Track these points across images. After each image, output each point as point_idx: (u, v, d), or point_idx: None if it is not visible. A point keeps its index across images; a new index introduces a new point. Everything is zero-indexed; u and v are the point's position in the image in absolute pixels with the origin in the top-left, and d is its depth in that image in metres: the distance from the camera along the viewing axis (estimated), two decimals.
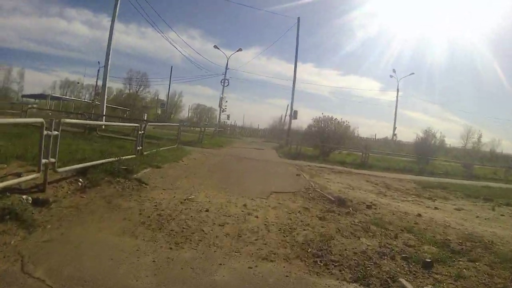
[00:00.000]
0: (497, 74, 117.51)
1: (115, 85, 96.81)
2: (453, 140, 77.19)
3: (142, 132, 15.27)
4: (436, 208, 12.73)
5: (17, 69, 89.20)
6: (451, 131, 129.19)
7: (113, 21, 31.75)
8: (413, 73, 70.68)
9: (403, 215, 10.37)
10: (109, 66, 31.59)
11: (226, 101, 58.13)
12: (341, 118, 32.40)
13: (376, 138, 71.04)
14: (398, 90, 66.53)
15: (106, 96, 33.13)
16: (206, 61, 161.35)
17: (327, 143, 30.55)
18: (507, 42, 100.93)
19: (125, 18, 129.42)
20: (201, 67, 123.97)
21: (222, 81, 57.85)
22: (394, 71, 67.87)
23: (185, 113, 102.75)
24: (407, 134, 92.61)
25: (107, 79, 32.14)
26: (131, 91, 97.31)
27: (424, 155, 34.03)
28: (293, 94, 41.37)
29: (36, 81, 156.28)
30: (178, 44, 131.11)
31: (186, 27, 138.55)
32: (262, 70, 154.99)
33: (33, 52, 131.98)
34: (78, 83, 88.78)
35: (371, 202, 11.62)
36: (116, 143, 17.19)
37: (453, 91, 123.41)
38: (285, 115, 63.70)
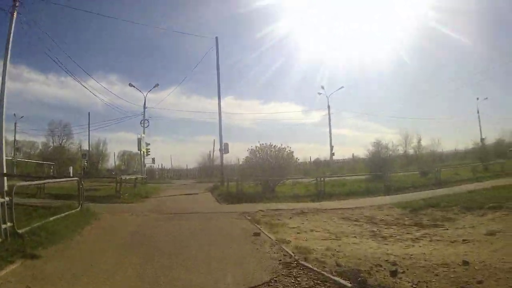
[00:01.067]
0: (420, 76, 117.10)
1: (40, 139, 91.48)
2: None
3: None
4: (464, 241, 9.61)
5: None
6: (383, 141, 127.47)
7: (5, 66, 25.73)
8: (342, 87, 66.02)
9: (448, 271, 6.84)
10: (3, 117, 25.24)
11: (149, 144, 51.66)
12: (281, 144, 26.96)
13: (312, 161, 65.28)
14: (329, 107, 60.83)
15: (4, 152, 26.50)
16: (127, 104, 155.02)
17: (271, 175, 25.21)
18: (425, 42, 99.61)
19: (45, 68, 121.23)
20: (122, 110, 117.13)
21: (142, 122, 51.03)
22: (322, 87, 61.83)
23: (112, 162, 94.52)
24: (341, 152, 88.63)
25: (3, 132, 25.65)
26: (54, 143, 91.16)
27: (382, 170, 30.05)
28: (220, 126, 35.00)
29: None
30: (98, 91, 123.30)
31: (105, 73, 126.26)
32: (184, 108, 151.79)
33: None
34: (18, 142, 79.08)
35: (387, 261, 7.70)
36: None
37: (379, 101, 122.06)
38: (213, 151, 59.20)
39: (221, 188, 29.13)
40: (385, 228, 12.27)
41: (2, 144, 26.15)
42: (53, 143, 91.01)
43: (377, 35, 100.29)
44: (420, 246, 9.31)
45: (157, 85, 53.17)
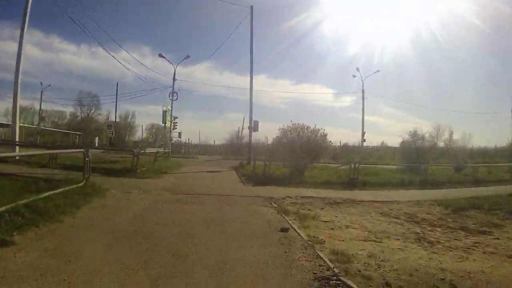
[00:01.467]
0: (454, 68, 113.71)
1: (69, 109, 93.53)
2: None
3: None
4: None
5: None
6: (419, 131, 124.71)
7: (22, 32, 24.25)
8: (378, 71, 62.79)
9: None
10: (19, 84, 23.75)
11: (176, 118, 49.59)
12: (315, 125, 24.88)
13: (341, 145, 62.97)
14: (363, 91, 58.88)
15: (18, 119, 25.24)
16: (158, 77, 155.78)
17: (302, 157, 23.19)
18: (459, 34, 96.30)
19: (76, 38, 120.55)
20: (152, 83, 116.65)
21: (170, 94, 49.77)
22: (358, 69, 60.45)
23: (140, 134, 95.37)
24: (370, 139, 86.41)
25: (18, 99, 24.05)
26: (82, 114, 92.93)
27: (417, 161, 28.20)
28: (251, 101, 32.55)
29: None
30: (130, 63, 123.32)
31: (138, 44, 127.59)
32: (215, 84, 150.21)
33: None
34: (30, 108, 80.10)
35: (443, 280, 6.20)
36: None
37: (411, 91, 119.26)
38: (242, 128, 58.39)
39: (247, 167, 27.29)
40: (430, 230, 10.57)
41: (16, 112, 24.81)
42: (81, 113, 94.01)
43: (414, 22, 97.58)
44: (474, 260, 7.77)
45: (187, 56, 51.68)
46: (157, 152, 27.62)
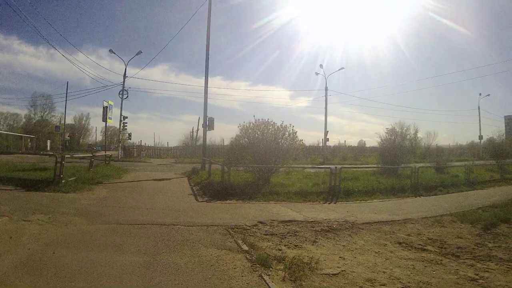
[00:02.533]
0: (418, 68, 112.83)
1: (24, 111, 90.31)
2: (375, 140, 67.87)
3: None
4: None
5: None
6: (368, 131, 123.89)
7: None
8: (343, 68, 59.47)
9: None
10: None
11: (126, 117, 45.03)
12: (282, 122, 19.67)
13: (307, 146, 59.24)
14: (326, 88, 53.50)
15: None
16: (116, 79, 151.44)
17: (267, 160, 18.54)
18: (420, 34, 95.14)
19: (35, 40, 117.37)
20: (106, 83, 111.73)
21: (120, 92, 44.60)
22: (321, 66, 54.36)
23: (96, 137, 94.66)
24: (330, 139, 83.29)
25: None
26: (36, 116, 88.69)
27: (396, 162, 25.07)
28: (206, 95, 27.12)
29: None
30: (87, 65, 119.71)
31: (95, 47, 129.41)
32: (172, 87, 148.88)
33: None
34: None
35: None
36: None
37: (371, 91, 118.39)
38: (197, 129, 53.58)
39: (202, 173, 22.64)
40: (484, 270, 6.75)
41: None
42: (35, 115, 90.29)
43: (376, 23, 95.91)
44: None
45: (140, 52, 46.93)
46: (93, 157, 22.35)
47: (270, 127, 18.96)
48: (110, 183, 17.83)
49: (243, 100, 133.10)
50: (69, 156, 19.23)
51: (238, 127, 19.69)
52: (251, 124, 19.27)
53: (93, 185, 16.25)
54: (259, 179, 17.97)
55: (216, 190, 15.27)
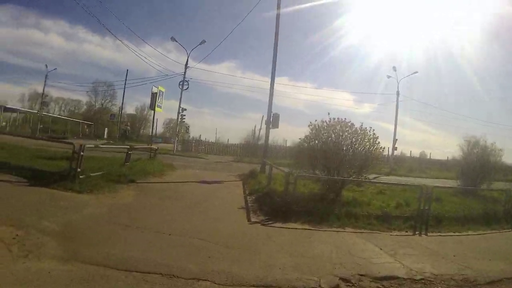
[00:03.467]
0: (485, 79, 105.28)
1: (85, 98, 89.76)
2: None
3: None
4: None
5: None
6: (430, 142, 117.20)
7: None
8: (416, 72, 53.25)
9: None
10: None
11: (185, 109, 43.57)
12: (361, 124, 15.37)
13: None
14: (398, 93, 49.63)
15: None
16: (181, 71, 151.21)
17: (341, 169, 14.33)
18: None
19: (101, 30, 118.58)
20: (173, 76, 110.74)
21: (180, 83, 42.11)
22: (394, 69, 50.48)
23: (156, 128, 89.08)
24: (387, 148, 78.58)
25: None
26: (96, 103, 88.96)
27: (477, 180, 20.61)
28: (272, 91, 23.12)
29: (9, 93, 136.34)
30: (153, 57, 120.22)
31: (162, 40, 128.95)
32: (238, 83, 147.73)
33: (7, 63, 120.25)
34: (46, 95, 72.61)
35: None
36: None
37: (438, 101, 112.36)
38: (260, 128, 49.76)
39: (261, 178, 18.59)
40: None
41: None
42: (95, 103, 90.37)
43: (452, 24, 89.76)
44: None
45: (203, 41, 44.05)
46: (130, 149, 18.43)
47: (347, 129, 14.78)
48: (145, 183, 14.19)
49: (308, 101, 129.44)
50: (92, 145, 15.11)
51: (309, 126, 15.41)
52: (324, 124, 15.07)
53: (121, 185, 12.76)
54: (329, 191, 13.84)
55: (275, 205, 11.15)
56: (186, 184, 15.96)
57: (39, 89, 69.37)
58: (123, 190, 11.99)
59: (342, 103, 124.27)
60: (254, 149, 49.32)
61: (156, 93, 33.55)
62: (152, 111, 35.77)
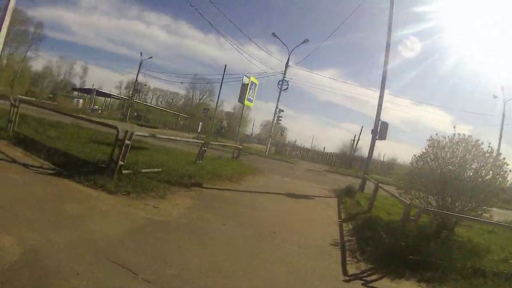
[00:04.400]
0: None
1: (183, 92, 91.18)
2: None
3: None
4: None
5: (80, 64, 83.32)
6: None
7: None
8: None
9: None
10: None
11: (282, 111, 41.63)
12: (489, 145, 11.13)
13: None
14: (504, 115, 43.66)
15: None
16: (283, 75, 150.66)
17: (460, 198, 10.20)
18: None
19: (205, 26, 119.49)
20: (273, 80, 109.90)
21: (279, 82, 40.24)
22: (502, 89, 44.58)
23: (253, 129, 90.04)
24: None
25: None
26: (194, 98, 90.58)
27: None
28: (382, 93, 19.14)
29: (107, 79, 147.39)
30: (256, 58, 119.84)
31: (265, 42, 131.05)
32: (337, 91, 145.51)
33: (107, 51, 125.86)
34: (145, 85, 76.04)
35: None
36: None
37: None
38: (358, 139, 48.14)
39: (359, 197, 14.39)
40: None
41: None
42: (193, 97, 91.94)
43: None
44: None
45: (306, 40, 41.54)
46: (204, 145, 15.09)
47: (473, 149, 10.82)
48: (213, 189, 10.85)
49: (405, 118, 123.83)
50: (140, 134, 11.31)
51: (428, 140, 11.60)
52: (446, 141, 11.18)
53: (180, 188, 9.65)
54: (440, 227, 10.06)
55: (382, 247, 7.50)
56: (266, 196, 12.50)
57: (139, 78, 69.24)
58: (177, 197, 8.84)
59: (439, 123, 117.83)
60: (349, 160, 46.29)
61: (247, 84, 30.35)
62: (243, 106, 33.02)
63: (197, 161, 13.94)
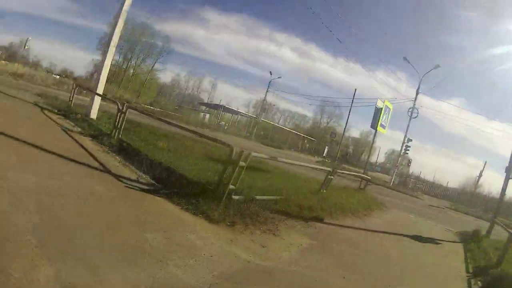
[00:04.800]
0: None
1: (311, 114, 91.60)
2: None
3: None
4: None
5: (209, 79, 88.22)
6: None
7: None
8: None
9: None
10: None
11: (410, 140, 40.06)
12: None
13: None
14: None
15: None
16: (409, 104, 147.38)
17: None
18: None
19: (334, 50, 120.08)
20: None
21: (409, 110, 38.88)
22: None
23: (378, 157, 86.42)
24: None
25: None
26: (322, 121, 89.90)
27: None
28: None
29: (235, 96, 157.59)
30: (384, 85, 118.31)
31: (395, 68, 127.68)
32: (461, 123, 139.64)
33: (236, 68, 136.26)
34: (273, 105, 79.95)
35: None
36: None
37: None
38: (480, 175, 49.47)
39: (485, 244, 12.65)
40: None
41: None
42: (321, 120, 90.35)
43: None
44: None
45: (437, 66, 40.32)
46: (333, 171, 13.76)
47: None
48: (334, 226, 9.67)
49: None
50: (258, 156, 9.84)
51: None
52: None
53: (296, 222, 8.56)
54: None
55: None
56: (392, 238, 11.14)
57: (267, 98, 70.66)
58: (291, 233, 7.67)
59: None
60: (470, 198, 43.98)
61: (381, 108, 28.80)
62: (374, 132, 31.72)
63: (321, 190, 12.74)
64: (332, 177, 13.48)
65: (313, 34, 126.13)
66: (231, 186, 7.64)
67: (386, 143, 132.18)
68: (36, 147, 8.22)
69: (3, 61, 43.09)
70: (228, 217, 6.94)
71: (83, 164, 8.15)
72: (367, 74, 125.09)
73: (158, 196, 7.34)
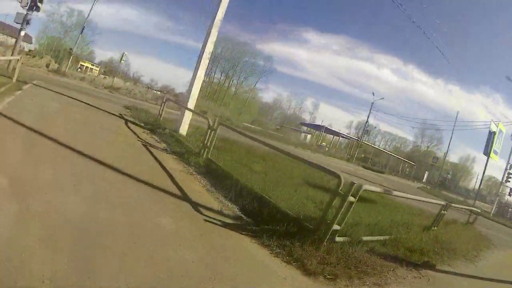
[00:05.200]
0: None
1: (411, 138, 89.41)
2: None
3: None
4: None
5: (311, 100, 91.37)
6: None
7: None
8: None
9: None
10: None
11: None
12: None
13: None
14: None
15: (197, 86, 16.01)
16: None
17: None
18: None
19: (433, 72, 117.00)
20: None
21: None
22: None
23: (480, 185, 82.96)
24: None
25: None
26: (422, 145, 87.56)
27: None
28: None
29: (336, 117, 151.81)
30: (483, 107, 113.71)
31: (492, 90, 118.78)
32: None
33: (338, 89, 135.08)
34: (375, 127, 76.09)
35: None
36: None
37: None
38: None
39: None
40: None
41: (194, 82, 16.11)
42: (421, 144, 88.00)
43: None
44: None
45: None
46: (445, 207, 11.68)
47: None
48: (447, 274, 7.62)
49: None
50: (370, 189, 7.86)
51: None
52: None
53: (407, 270, 6.69)
54: None
55: None
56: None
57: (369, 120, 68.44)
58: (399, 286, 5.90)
59: None
60: None
61: (494, 132, 25.16)
62: (486, 159, 27.40)
63: (433, 228, 10.87)
64: (445, 212, 11.52)
65: (413, 55, 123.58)
66: (335, 226, 6.03)
67: (480, 168, 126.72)
68: (101, 163, 7.05)
69: (101, 75, 44.33)
70: (329, 267, 5.29)
71: (156, 187, 6.79)
72: (466, 97, 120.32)
73: (244, 234, 5.89)
